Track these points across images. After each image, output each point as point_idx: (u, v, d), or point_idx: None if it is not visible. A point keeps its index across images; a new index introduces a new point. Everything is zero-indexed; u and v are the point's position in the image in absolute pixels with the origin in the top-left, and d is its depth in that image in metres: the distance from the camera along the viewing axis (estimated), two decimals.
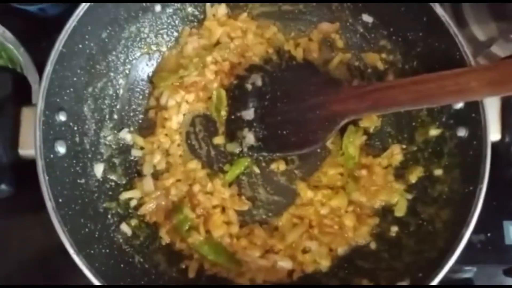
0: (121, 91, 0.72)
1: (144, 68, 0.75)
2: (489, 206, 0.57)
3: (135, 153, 0.72)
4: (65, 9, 0.82)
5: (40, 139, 0.55)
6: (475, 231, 0.55)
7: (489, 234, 0.72)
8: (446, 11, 0.82)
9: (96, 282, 0.53)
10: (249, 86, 0.73)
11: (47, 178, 0.55)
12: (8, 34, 0.77)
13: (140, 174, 0.72)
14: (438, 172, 0.65)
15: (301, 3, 0.75)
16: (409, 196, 0.68)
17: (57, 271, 0.75)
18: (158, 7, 0.71)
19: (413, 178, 0.68)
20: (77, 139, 0.63)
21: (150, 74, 0.75)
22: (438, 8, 0.60)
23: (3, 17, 0.77)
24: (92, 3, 0.59)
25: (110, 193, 0.67)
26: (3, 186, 0.58)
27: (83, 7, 0.58)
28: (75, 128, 0.63)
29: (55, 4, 0.80)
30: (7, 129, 0.58)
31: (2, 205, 0.73)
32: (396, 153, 0.71)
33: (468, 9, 0.85)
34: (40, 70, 0.74)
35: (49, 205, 0.54)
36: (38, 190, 0.55)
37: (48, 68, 0.57)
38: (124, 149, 0.72)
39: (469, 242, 0.55)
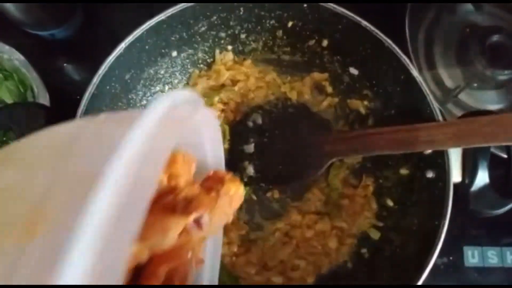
0: None
1: None
2: (451, 234, 0.64)
3: None
4: (72, 33, 0.88)
5: None
6: (439, 255, 0.63)
7: (451, 258, 0.80)
8: (419, 53, 0.92)
9: None
10: (250, 123, 0.80)
11: None
12: (22, 58, 0.80)
13: None
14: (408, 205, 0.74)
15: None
16: (380, 224, 0.76)
17: None
18: (174, 53, 0.78)
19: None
20: None
21: None
22: (414, 71, 0.69)
23: (15, 41, 0.81)
24: (122, 51, 0.67)
25: None
26: None
27: (114, 55, 0.66)
28: None
29: (63, 29, 0.86)
30: None
31: None
32: (369, 184, 0.80)
33: (438, 54, 0.93)
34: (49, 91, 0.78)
35: None
36: None
37: (82, 108, 0.64)
38: None
39: (434, 265, 0.62)
